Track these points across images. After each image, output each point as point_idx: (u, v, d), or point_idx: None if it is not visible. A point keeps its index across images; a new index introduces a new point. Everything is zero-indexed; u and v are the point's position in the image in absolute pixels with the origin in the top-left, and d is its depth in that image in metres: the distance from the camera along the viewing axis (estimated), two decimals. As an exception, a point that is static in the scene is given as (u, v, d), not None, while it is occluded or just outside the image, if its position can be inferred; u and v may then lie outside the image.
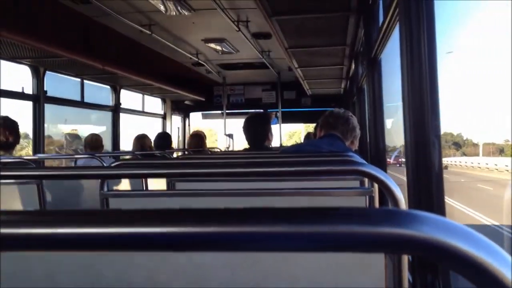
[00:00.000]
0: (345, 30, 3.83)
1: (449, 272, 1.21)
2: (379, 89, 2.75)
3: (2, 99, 4.22)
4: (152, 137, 5.34)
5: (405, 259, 0.93)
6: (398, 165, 7.63)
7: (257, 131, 3.33)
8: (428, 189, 1.22)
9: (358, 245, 0.36)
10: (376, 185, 1.46)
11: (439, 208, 1.22)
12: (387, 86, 2.79)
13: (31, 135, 4.80)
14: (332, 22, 3.60)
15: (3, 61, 4.28)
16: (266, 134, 3.34)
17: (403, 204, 0.98)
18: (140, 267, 1.08)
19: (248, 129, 3.33)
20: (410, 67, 1.33)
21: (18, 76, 4.68)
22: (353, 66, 4.90)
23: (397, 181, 1.00)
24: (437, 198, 1.21)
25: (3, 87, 4.21)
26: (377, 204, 1.50)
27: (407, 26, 1.36)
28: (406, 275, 0.92)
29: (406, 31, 1.37)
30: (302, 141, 6.52)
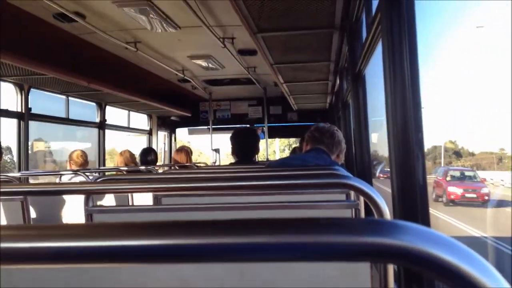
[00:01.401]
0: (330, 46, 3.87)
1: (435, 283, 1.22)
2: (363, 104, 2.78)
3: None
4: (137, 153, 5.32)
5: (391, 269, 0.93)
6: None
7: (247, 145, 3.36)
8: (412, 201, 1.23)
9: (342, 255, 0.37)
10: (362, 198, 1.47)
11: (424, 220, 1.23)
12: (372, 100, 2.82)
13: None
14: (317, 39, 3.64)
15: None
16: (255, 148, 3.37)
17: (388, 216, 0.99)
18: (124, 282, 1.07)
19: (237, 143, 3.36)
20: (393, 82, 1.35)
21: (2, 93, 4.64)
22: (338, 81, 4.95)
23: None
24: (421, 210, 1.22)
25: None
26: (362, 216, 1.51)
27: (389, 41, 1.39)
28: (391, 285, 0.93)
29: (388, 46, 1.39)
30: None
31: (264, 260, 0.38)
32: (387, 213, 0.99)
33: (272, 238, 0.36)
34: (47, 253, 0.38)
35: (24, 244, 0.37)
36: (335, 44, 3.80)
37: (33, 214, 2.79)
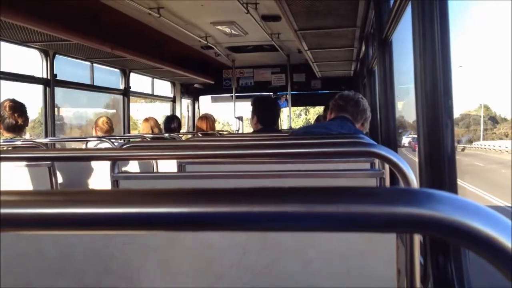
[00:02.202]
0: (355, 11, 3.78)
1: (461, 254, 1.21)
2: (390, 71, 2.72)
3: (13, 82, 4.24)
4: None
5: (417, 240, 0.92)
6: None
7: (272, 113, 3.39)
8: (440, 170, 1.21)
9: (371, 225, 0.36)
10: (387, 167, 1.46)
11: (452, 189, 1.21)
12: (397, 68, 2.76)
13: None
14: (342, 3, 3.56)
15: (13, 45, 4.29)
16: (279, 116, 3.41)
17: (415, 185, 0.98)
18: (151, 248, 1.08)
19: (267, 109, 3.38)
20: (423, 48, 1.31)
21: (28, 60, 4.70)
22: (363, 48, 4.85)
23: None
24: (449, 179, 1.20)
25: (14, 71, 4.23)
26: (388, 185, 1.50)
27: (419, 5, 1.34)
28: (417, 257, 0.92)
29: (418, 10, 1.35)
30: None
31: (290, 230, 0.37)
32: (414, 182, 0.97)
33: (299, 207, 0.36)
34: (75, 218, 0.38)
35: (52, 210, 0.38)
36: (361, 9, 3.71)
37: (59, 179, 2.86)
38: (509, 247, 0.33)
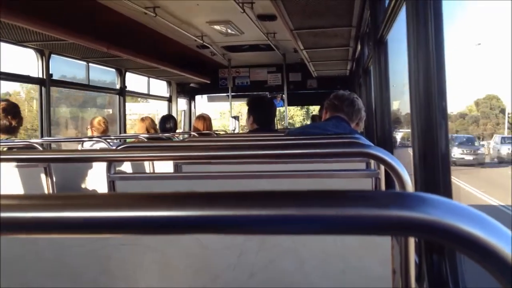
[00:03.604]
0: (351, 11, 3.79)
1: (456, 253, 1.22)
2: (385, 70, 2.73)
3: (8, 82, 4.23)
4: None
5: (412, 240, 0.93)
6: None
7: (268, 113, 3.40)
8: (435, 171, 1.22)
9: (366, 228, 0.36)
10: (382, 167, 1.46)
11: (446, 190, 1.22)
12: (392, 67, 2.76)
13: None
14: (338, 3, 3.56)
15: (8, 45, 4.28)
16: (275, 116, 3.41)
17: (410, 186, 0.98)
18: (148, 249, 1.09)
19: (263, 109, 3.38)
20: (417, 47, 1.32)
21: (24, 60, 4.69)
22: (359, 47, 4.86)
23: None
24: (443, 180, 1.21)
25: (10, 71, 4.23)
26: (383, 186, 1.51)
27: (414, 5, 1.35)
28: (412, 257, 0.93)
29: (412, 10, 1.36)
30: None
31: (286, 233, 0.38)
32: (409, 183, 0.98)
33: (295, 210, 0.36)
34: (73, 222, 0.38)
35: (50, 213, 0.38)
36: (356, 8, 3.71)
37: (55, 179, 2.85)
38: (501, 250, 0.34)
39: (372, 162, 1.68)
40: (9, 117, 3.20)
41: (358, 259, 1.04)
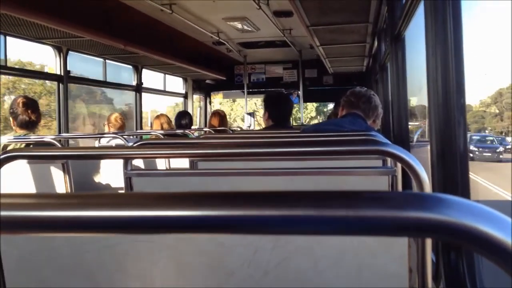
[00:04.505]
0: (368, 7, 3.75)
1: (473, 253, 1.21)
2: (402, 67, 2.70)
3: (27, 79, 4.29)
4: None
5: (429, 239, 0.92)
6: None
7: (285, 110, 3.38)
8: (453, 170, 1.20)
9: (383, 230, 0.36)
10: (399, 165, 1.45)
11: (464, 189, 1.20)
12: (410, 64, 2.74)
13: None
14: (355, -1, 3.54)
15: (26, 42, 4.34)
16: (291, 113, 3.39)
17: (428, 184, 0.97)
18: (163, 246, 1.10)
19: (278, 106, 3.37)
20: (435, 44, 1.30)
21: (42, 56, 4.74)
22: (375, 43, 4.82)
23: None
24: (462, 179, 1.19)
25: (29, 67, 4.28)
26: (400, 184, 1.49)
27: (432, 2, 1.33)
28: (429, 256, 0.92)
29: (430, 7, 1.34)
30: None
31: (302, 233, 0.37)
32: (427, 181, 0.97)
33: (311, 211, 0.36)
34: (90, 221, 0.38)
35: (68, 212, 0.38)
36: (373, 4, 3.68)
37: (73, 174, 2.88)
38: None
39: (389, 159, 1.66)
40: (29, 111, 3.24)
41: (374, 257, 1.03)
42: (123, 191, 1.62)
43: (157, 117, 5.24)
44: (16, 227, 0.39)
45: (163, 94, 7.63)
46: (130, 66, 6.40)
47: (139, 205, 0.38)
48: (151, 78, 6.99)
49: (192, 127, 5.65)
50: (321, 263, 1.05)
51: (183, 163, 2.75)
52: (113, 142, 4.09)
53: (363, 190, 0.38)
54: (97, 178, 3.67)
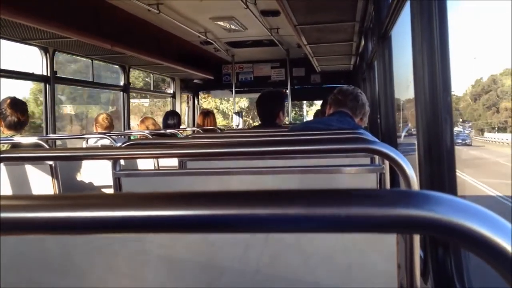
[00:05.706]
0: (355, 6, 3.77)
1: (461, 249, 1.22)
2: (389, 66, 2.72)
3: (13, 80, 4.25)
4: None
5: (417, 236, 0.93)
6: None
7: (268, 108, 3.36)
8: (439, 166, 1.22)
9: (372, 227, 0.37)
10: (387, 162, 1.46)
11: (451, 185, 1.22)
12: (397, 62, 2.76)
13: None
14: (341, -2, 3.56)
15: (12, 43, 4.29)
16: (277, 111, 3.35)
17: (415, 182, 0.98)
18: (154, 245, 1.10)
19: (260, 105, 3.36)
20: (421, 42, 1.32)
21: (28, 57, 4.70)
22: (362, 42, 4.84)
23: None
24: (448, 176, 1.21)
25: (14, 68, 4.24)
26: (388, 181, 1.51)
27: (418, 0, 1.34)
28: (417, 252, 0.93)
29: (416, 5, 1.35)
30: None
31: (292, 231, 0.38)
32: (414, 179, 0.98)
33: (301, 209, 0.36)
34: (81, 222, 0.39)
35: (59, 213, 0.38)
36: (360, 3, 3.70)
37: (61, 175, 2.86)
38: (507, 249, 0.34)
39: (377, 157, 1.68)
40: (17, 113, 3.21)
41: (363, 254, 1.04)
42: (112, 192, 1.62)
43: (142, 121, 5.21)
44: (7, 229, 0.39)
45: (151, 93, 7.59)
46: (117, 66, 6.36)
47: (130, 206, 0.39)
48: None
49: (181, 127, 5.64)
50: (312, 260, 1.05)
51: (172, 162, 2.75)
52: (101, 142, 4.07)
53: (351, 188, 0.38)
54: (85, 179, 3.65)
